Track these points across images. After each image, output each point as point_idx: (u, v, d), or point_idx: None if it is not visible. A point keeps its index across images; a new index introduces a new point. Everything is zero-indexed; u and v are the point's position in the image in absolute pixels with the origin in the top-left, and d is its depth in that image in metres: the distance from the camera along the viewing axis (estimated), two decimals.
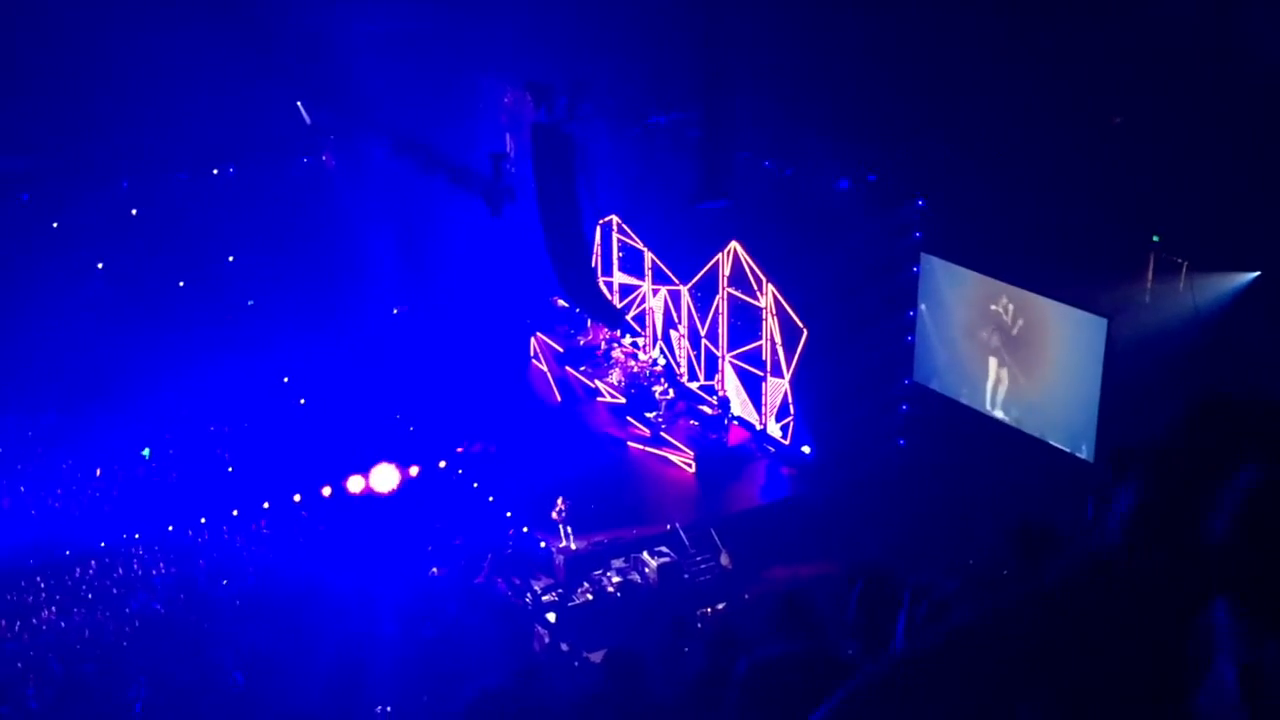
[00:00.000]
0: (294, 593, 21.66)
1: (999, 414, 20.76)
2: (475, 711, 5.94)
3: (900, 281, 22.14)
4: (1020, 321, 20.03)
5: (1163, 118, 16.08)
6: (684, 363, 27.51)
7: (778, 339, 24.46)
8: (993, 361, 20.66)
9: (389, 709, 17.45)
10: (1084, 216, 17.58)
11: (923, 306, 21.93)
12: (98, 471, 25.50)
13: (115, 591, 22.29)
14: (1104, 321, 18.41)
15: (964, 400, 21.46)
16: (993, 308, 20.41)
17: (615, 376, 28.03)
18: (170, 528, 23.92)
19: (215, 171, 27.73)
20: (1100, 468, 16.98)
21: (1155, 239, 17.41)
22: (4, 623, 21.38)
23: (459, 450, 25.98)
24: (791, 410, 24.60)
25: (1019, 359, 20.24)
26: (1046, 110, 17.64)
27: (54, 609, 21.75)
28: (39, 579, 22.53)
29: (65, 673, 19.52)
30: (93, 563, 23.06)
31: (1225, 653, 1.14)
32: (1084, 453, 19.02)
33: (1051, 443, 19.70)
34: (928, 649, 1.39)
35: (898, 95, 19.33)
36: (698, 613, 20.65)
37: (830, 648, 4.85)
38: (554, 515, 22.94)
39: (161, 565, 23.07)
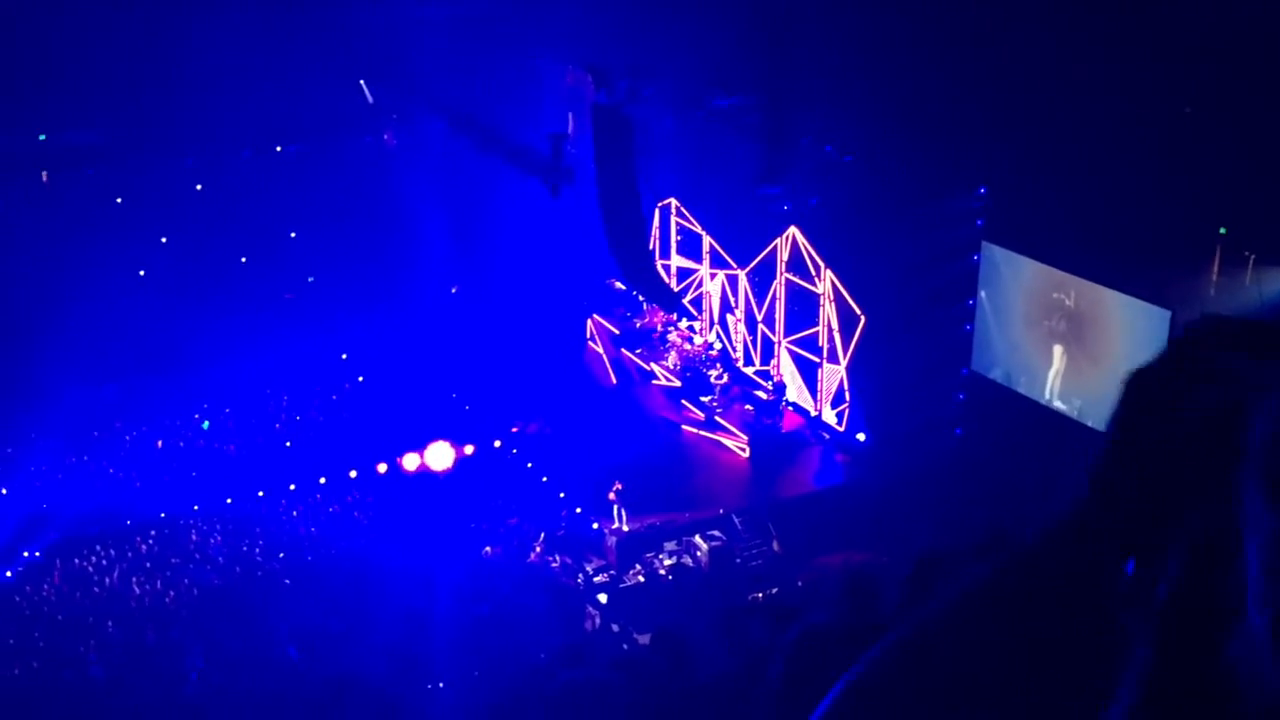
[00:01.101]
0: (349, 569, 21.88)
1: (1059, 405, 20.56)
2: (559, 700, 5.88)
3: (960, 269, 21.96)
4: (1083, 313, 19.82)
5: (1233, 108, 15.83)
6: (740, 347, 27.45)
7: (835, 325, 24.35)
8: (1057, 350, 20.46)
9: (441, 685, 17.60)
10: (1149, 207, 17.34)
11: (983, 295, 21.75)
12: (159, 443, 25.85)
13: (174, 562, 22.61)
14: (1167, 314, 18.17)
15: (1023, 390, 21.27)
16: (1055, 295, 20.21)
17: (671, 360, 28.02)
18: (229, 500, 24.21)
19: (279, 149, 27.95)
20: None
21: (1222, 231, 17.16)
22: (66, 589, 21.76)
23: (514, 430, 26.09)
24: (847, 397, 24.49)
25: (1081, 349, 20.03)
26: (1113, 98, 17.41)
27: (114, 577, 22.09)
28: (99, 547, 22.89)
29: (124, 640, 19.85)
30: (152, 533, 23.40)
31: (1255, 602, 1.12)
32: None
33: None
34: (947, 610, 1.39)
35: (961, 81, 19.15)
36: (749, 597, 20.68)
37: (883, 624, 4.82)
38: (610, 496, 23.00)
39: (219, 537, 23.36)
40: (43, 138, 25.65)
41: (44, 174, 26.13)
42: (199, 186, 27.60)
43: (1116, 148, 17.37)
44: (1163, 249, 17.83)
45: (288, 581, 21.70)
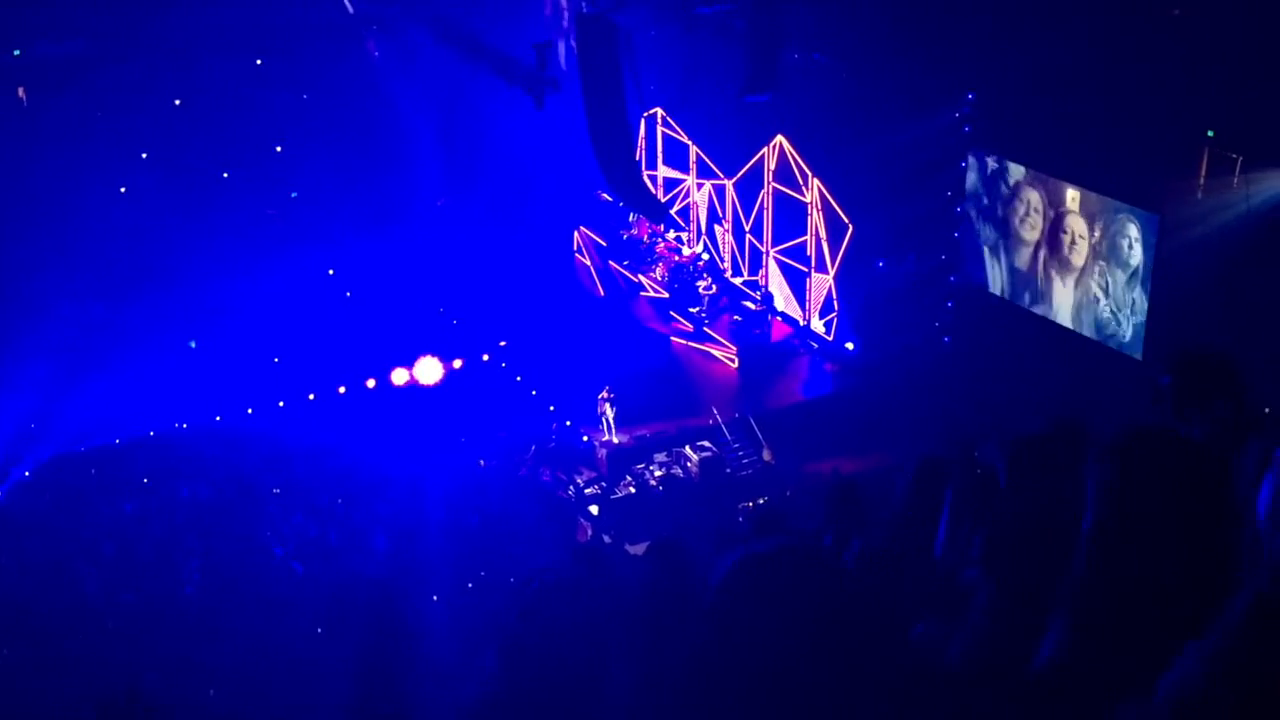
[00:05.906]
0: (339, 483, 21.95)
1: (1046, 311, 20.61)
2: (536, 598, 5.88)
3: (948, 177, 21.90)
4: (1070, 217, 19.80)
5: (1220, 9, 15.72)
6: (728, 258, 27.40)
7: (823, 234, 24.30)
8: (1043, 256, 20.47)
9: (435, 598, 17.74)
10: (1136, 110, 17.28)
11: (970, 202, 21.69)
12: (147, 360, 25.72)
13: (164, 479, 22.63)
14: (1155, 217, 18.18)
15: (1010, 298, 21.31)
16: (1042, 200, 20.18)
17: (659, 271, 27.96)
18: (218, 418, 24.20)
19: (259, 62, 27.52)
20: (1150, 365, 16.91)
21: (1209, 134, 17.11)
22: (58, 507, 21.80)
23: (502, 344, 26.07)
24: (835, 306, 24.51)
25: (1067, 255, 20.04)
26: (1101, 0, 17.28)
27: (106, 494, 22.13)
28: (91, 468, 22.92)
29: (119, 555, 19.94)
30: (142, 452, 23.41)
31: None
32: (1133, 350, 18.90)
33: (1100, 340, 19.57)
34: None
35: None
36: (739, 506, 20.83)
37: (818, 543, 4.84)
38: (600, 409, 23.08)
39: (209, 454, 23.36)
40: (17, 53, 25.24)
41: (20, 91, 25.75)
42: (178, 101, 27.21)
43: (1105, 51, 17.27)
44: (1150, 152, 17.79)
45: (277, 491, 21.75)
